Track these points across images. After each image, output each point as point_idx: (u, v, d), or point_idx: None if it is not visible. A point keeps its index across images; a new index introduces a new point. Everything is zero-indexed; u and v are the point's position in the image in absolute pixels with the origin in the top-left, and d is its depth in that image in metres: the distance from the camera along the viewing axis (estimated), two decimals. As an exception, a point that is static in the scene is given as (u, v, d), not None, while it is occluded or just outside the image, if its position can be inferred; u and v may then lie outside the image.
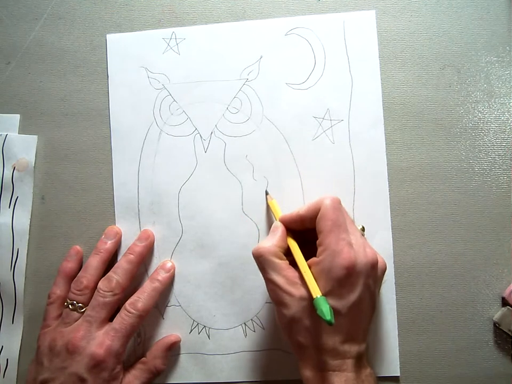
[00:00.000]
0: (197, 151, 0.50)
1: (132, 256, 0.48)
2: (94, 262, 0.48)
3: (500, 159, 0.49)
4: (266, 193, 0.49)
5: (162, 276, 0.49)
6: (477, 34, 0.50)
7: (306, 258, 0.42)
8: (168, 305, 0.50)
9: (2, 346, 0.51)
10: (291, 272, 0.42)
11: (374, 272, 0.42)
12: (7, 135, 0.52)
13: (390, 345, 0.48)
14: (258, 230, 0.49)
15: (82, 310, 0.47)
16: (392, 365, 0.48)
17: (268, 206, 0.49)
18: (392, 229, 0.49)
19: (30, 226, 0.51)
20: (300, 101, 0.50)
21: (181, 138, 0.50)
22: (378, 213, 0.49)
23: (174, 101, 0.51)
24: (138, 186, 0.51)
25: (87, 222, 0.51)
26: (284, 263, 0.43)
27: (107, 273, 0.48)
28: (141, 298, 0.47)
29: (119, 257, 0.49)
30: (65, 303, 0.47)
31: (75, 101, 0.52)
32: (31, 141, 0.52)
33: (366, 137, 0.49)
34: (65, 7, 0.52)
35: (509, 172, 0.49)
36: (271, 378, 0.49)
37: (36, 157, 0.52)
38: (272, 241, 0.44)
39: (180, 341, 0.49)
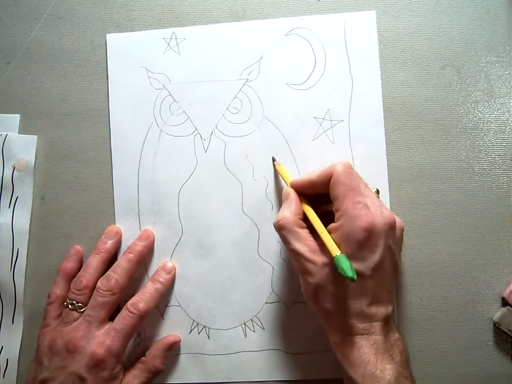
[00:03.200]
0: (197, 151, 0.50)
1: (132, 255, 0.48)
2: (94, 262, 0.48)
3: (500, 159, 0.49)
4: (274, 160, 0.49)
5: (163, 277, 0.49)
6: (477, 34, 0.50)
7: (323, 221, 0.43)
8: (168, 305, 0.50)
9: (2, 346, 0.51)
10: (312, 240, 0.43)
11: (392, 232, 0.42)
12: (7, 135, 0.52)
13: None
14: (258, 230, 0.49)
15: (82, 310, 0.47)
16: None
17: (275, 172, 0.49)
18: (392, 229, 0.49)
19: (30, 226, 0.51)
20: (300, 101, 0.50)
21: (181, 138, 0.50)
22: (378, 213, 0.49)
23: (174, 101, 0.51)
24: (138, 186, 0.51)
25: (87, 222, 0.51)
26: (305, 232, 0.43)
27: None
28: (142, 299, 0.47)
29: (119, 257, 0.49)
30: (65, 303, 0.47)
31: (75, 101, 0.52)
32: (31, 141, 0.52)
33: (366, 138, 0.49)
34: (65, 7, 0.52)
35: (509, 172, 0.49)
36: (271, 378, 0.49)
37: (35, 157, 0.52)
38: (290, 209, 0.44)
39: (179, 341, 0.49)
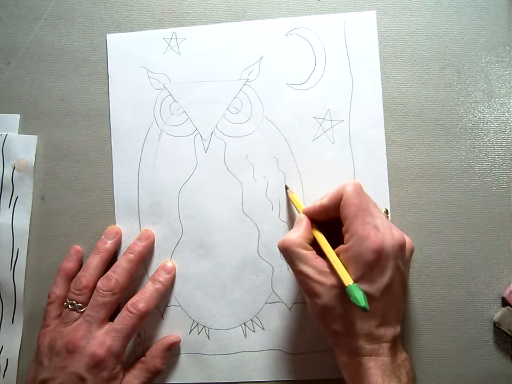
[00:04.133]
0: (197, 151, 0.50)
1: (132, 255, 0.48)
2: (94, 262, 0.48)
3: (500, 159, 0.49)
4: (286, 188, 0.49)
5: (164, 277, 0.49)
6: (477, 34, 0.50)
7: (333, 248, 0.42)
8: (168, 305, 0.50)
9: (2, 346, 0.51)
10: (320, 261, 0.42)
11: (402, 253, 0.42)
12: (7, 135, 0.52)
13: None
14: (258, 230, 0.49)
15: (82, 310, 0.47)
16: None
17: (288, 200, 0.49)
18: (392, 229, 0.49)
19: (30, 226, 0.51)
20: (300, 101, 0.50)
21: (181, 139, 0.50)
22: (378, 213, 0.49)
23: (175, 101, 0.51)
24: (138, 186, 0.51)
25: (87, 222, 0.51)
26: (311, 253, 0.42)
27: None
28: (142, 299, 0.47)
29: (119, 257, 0.49)
30: (65, 303, 0.47)
31: (75, 101, 0.52)
32: (31, 141, 0.52)
33: (366, 138, 0.49)
34: (65, 7, 0.52)
35: (509, 172, 0.49)
36: (271, 378, 0.49)
37: (35, 157, 0.52)
38: (297, 233, 0.43)
39: (179, 341, 0.49)
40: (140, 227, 0.50)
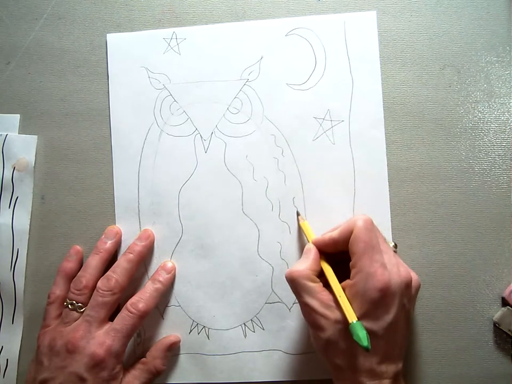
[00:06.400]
0: (197, 151, 0.50)
1: (132, 255, 0.48)
2: (94, 262, 0.48)
3: (500, 159, 0.49)
4: (298, 214, 0.49)
5: (163, 276, 0.49)
6: (477, 34, 0.50)
7: (340, 279, 0.42)
8: (168, 305, 0.50)
9: (2, 346, 0.51)
10: (326, 295, 0.42)
11: (408, 291, 0.42)
12: (7, 135, 0.52)
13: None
14: (258, 230, 0.49)
15: (82, 310, 0.47)
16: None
17: (299, 228, 0.49)
18: (392, 229, 0.49)
19: (30, 226, 0.51)
20: (300, 101, 0.50)
21: (181, 139, 0.50)
22: (378, 213, 0.48)
23: (175, 101, 0.51)
24: (138, 186, 0.51)
25: (87, 222, 0.51)
26: (318, 286, 0.42)
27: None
28: (142, 299, 0.47)
29: (119, 257, 0.49)
30: (65, 303, 0.47)
31: (75, 101, 0.52)
32: (31, 141, 0.52)
33: (367, 138, 0.49)
34: (65, 7, 0.52)
35: (509, 172, 0.49)
36: (270, 379, 0.49)
37: (35, 157, 0.52)
38: (305, 264, 0.43)
39: (179, 341, 0.49)
40: (140, 227, 0.50)
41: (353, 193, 0.49)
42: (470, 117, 0.49)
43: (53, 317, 0.48)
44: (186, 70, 0.51)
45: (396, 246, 0.48)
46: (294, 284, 0.43)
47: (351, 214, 0.49)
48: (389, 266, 0.41)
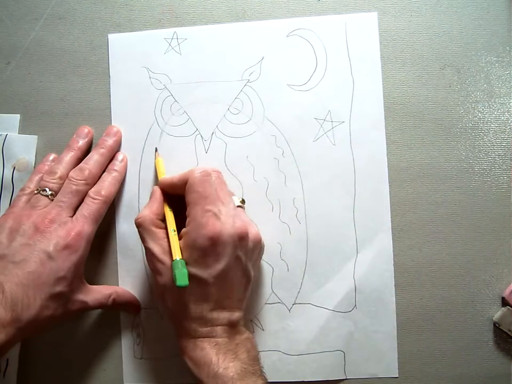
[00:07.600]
0: (197, 151, 0.50)
1: (103, 150, 0.49)
2: (67, 157, 0.49)
3: (500, 159, 0.49)
4: (156, 150, 0.50)
5: (118, 166, 0.50)
6: (477, 34, 0.50)
7: (183, 225, 0.43)
8: (168, 305, 0.50)
9: (2, 347, 0.51)
10: (167, 241, 0.43)
11: (243, 243, 0.42)
12: (7, 135, 0.51)
13: (388, 346, 0.48)
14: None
15: (53, 199, 0.47)
16: (390, 366, 0.48)
17: (155, 165, 0.50)
18: (392, 229, 0.49)
19: (30, 226, 0.51)
20: (301, 102, 0.49)
21: (182, 139, 0.50)
22: (378, 214, 0.49)
23: (175, 101, 0.51)
24: (139, 186, 0.50)
25: (87, 222, 0.51)
26: (161, 232, 0.44)
27: None
28: (103, 187, 0.48)
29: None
30: (35, 191, 0.47)
31: (75, 101, 0.52)
32: (31, 141, 0.52)
33: (367, 139, 0.49)
34: (65, 7, 0.52)
35: (509, 172, 0.49)
36: (270, 379, 0.48)
37: (35, 157, 0.52)
38: (150, 208, 0.45)
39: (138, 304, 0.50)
40: (140, 227, 0.50)
41: (354, 193, 0.49)
42: (470, 117, 0.49)
43: (21, 206, 0.47)
44: (187, 70, 0.51)
45: (243, 201, 0.48)
46: (141, 229, 0.44)
47: (351, 214, 0.49)
48: (224, 218, 0.42)
